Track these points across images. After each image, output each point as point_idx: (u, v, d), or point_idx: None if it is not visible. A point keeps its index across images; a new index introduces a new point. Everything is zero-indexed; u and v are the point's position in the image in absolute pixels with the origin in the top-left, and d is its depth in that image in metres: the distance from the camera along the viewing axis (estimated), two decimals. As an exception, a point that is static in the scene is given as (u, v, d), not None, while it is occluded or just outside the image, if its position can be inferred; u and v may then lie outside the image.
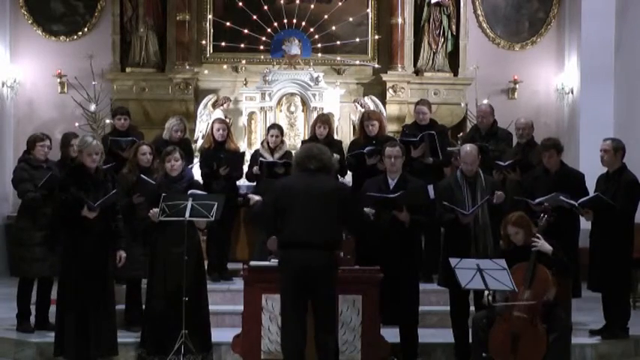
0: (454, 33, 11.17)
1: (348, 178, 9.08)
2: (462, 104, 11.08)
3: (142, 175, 7.53)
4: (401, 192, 6.81)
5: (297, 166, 6.24)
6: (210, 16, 11.17)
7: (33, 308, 7.67)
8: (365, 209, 6.69)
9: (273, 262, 6.51)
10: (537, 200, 7.21)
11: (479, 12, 11.61)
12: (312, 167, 6.08)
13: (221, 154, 8.62)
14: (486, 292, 6.30)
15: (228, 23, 10.98)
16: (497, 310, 6.36)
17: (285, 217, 5.99)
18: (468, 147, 7.11)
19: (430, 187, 7.85)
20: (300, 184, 6.07)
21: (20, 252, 7.54)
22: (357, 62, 11.22)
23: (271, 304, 6.52)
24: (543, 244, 6.39)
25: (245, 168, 8.93)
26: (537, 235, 6.45)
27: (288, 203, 6.00)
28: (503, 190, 7.17)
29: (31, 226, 7.48)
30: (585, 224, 7.75)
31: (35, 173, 7.52)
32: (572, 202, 7.22)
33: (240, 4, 10.96)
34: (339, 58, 11.18)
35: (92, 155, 6.72)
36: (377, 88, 11.08)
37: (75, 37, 11.40)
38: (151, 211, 6.91)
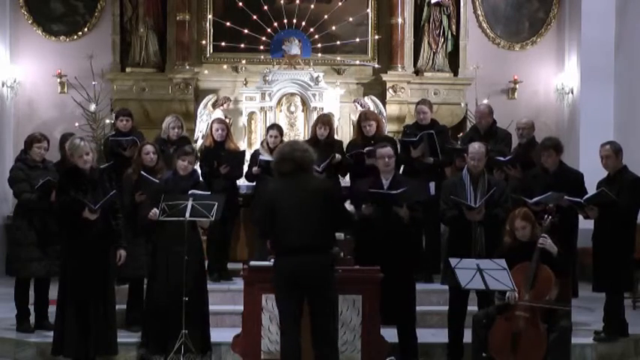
0: (454, 33, 11.17)
1: (347, 178, 9.10)
2: (462, 104, 11.08)
3: (143, 173, 7.54)
4: (403, 189, 6.83)
5: (274, 171, 6.09)
6: (210, 16, 11.17)
7: (32, 308, 7.68)
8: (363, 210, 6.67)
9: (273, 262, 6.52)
10: (535, 199, 7.22)
11: (479, 12, 11.61)
12: (285, 171, 5.94)
13: (221, 153, 8.63)
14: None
15: (228, 23, 10.98)
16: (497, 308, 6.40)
17: (275, 222, 5.90)
18: (477, 144, 7.15)
19: (432, 185, 7.87)
20: (283, 188, 5.95)
21: (16, 252, 7.56)
22: (357, 62, 11.22)
23: (271, 304, 6.51)
24: (550, 244, 6.39)
25: (245, 168, 8.94)
26: (543, 235, 6.46)
27: (276, 207, 5.90)
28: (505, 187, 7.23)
29: (27, 226, 7.49)
30: (584, 224, 7.76)
31: (32, 173, 7.53)
32: (577, 199, 7.22)
33: (240, 4, 10.95)
34: (339, 58, 11.17)
35: (83, 156, 6.72)
36: (377, 88, 11.07)
37: (75, 37, 11.40)
38: (152, 212, 6.92)
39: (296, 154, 5.95)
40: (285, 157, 5.97)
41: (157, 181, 7.37)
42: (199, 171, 8.81)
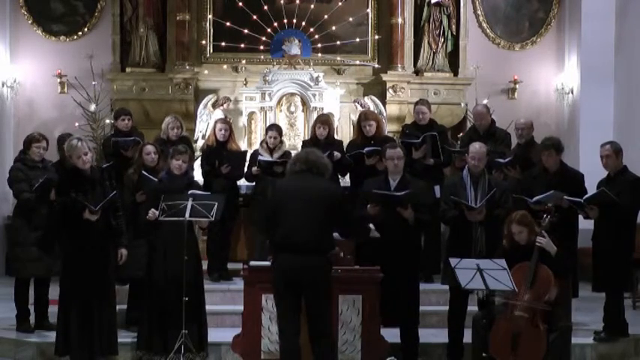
0: (454, 33, 11.18)
1: (347, 178, 9.10)
2: (462, 104, 11.08)
3: (144, 172, 7.54)
4: (407, 191, 6.83)
5: (288, 172, 6.24)
6: (210, 16, 11.17)
7: (32, 308, 7.68)
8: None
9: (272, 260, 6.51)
10: (535, 199, 7.22)
11: (479, 12, 11.61)
12: (297, 169, 6.04)
13: (223, 153, 8.63)
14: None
15: (228, 23, 10.98)
16: (496, 308, 6.40)
17: (278, 219, 5.96)
18: (477, 144, 7.16)
19: (437, 188, 7.86)
20: (291, 186, 6.04)
21: (15, 252, 7.56)
22: (357, 62, 11.22)
23: (271, 304, 6.51)
24: (548, 243, 6.39)
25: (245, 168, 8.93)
26: (542, 233, 6.46)
27: (280, 205, 5.97)
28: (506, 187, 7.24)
29: (26, 226, 7.50)
30: (584, 224, 7.76)
31: (31, 173, 7.54)
32: (577, 199, 7.22)
33: (240, 4, 10.95)
34: (339, 58, 11.17)
35: (82, 156, 6.70)
36: (377, 88, 11.07)
37: (75, 37, 11.40)
38: (150, 212, 6.92)
39: (310, 157, 6.08)
40: (300, 158, 6.11)
41: (156, 179, 7.37)
42: (200, 170, 8.86)
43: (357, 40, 11.20)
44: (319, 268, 5.91)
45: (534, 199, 7.22)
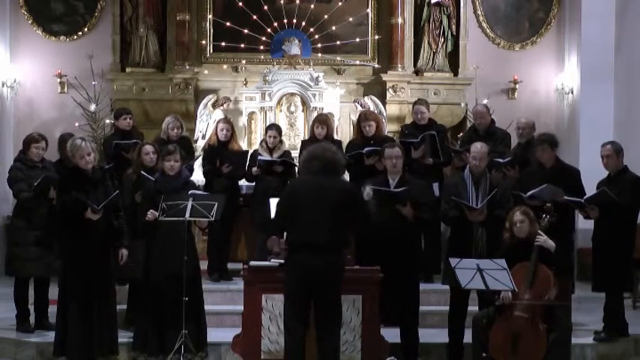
0: (454, 33, 11.18)
1: (346, 178, 9.10)
2: (462, 104, 11.08)
3: (143, 172, 7.53)
4: (405, 188, 6.83)
5: (302, 169, 6.24)
6: (210, 16, 11.17)
7: (32, 308, 7.68)
8: (364, 192, 6.57)
9: (274, 262, 6.52)
10: (529, 193, 7.22)
11: (479, 12, 11.61)
12: (314, 169, 6.04)
13: (224, 153, 8.63)
14: None
15: (228, 23, 10.98)
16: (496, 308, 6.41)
17: (293, 218, 5.97)
18: (479, 144, 7.15)
19: (435, 186, 7.85)
20: (306, 185, 6.05)
21: (15, 251, 7.56)
22: (357, 62, 11.22)
23: (271, 304, 6.52)
24: (547, 240, 6.40)
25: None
26: (539, 232, 6.47)
27: (296, 205, 5.98)
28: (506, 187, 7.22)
29: (26, 226, 7.50)
30: (584, 224, 7.76)
31: (31, 173, 7.54)
32: (577, 199, 7.22)
33: (240, 4, 10.96)
34: (339, 58, 11.17)
35: (85, 157, 6.70)
36: (377, 88, 11.08)
37: (75, 37, 11.39)
38: (149, 213, 6.92)
39: (327, 154, 6.07)
40: (317, 156, 6.07)
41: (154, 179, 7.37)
42: (201, 169, 8.85)
43: (357, 40, 11.20)
44: (335, 267, 5.95)
45: (528, 193, 7.23)
